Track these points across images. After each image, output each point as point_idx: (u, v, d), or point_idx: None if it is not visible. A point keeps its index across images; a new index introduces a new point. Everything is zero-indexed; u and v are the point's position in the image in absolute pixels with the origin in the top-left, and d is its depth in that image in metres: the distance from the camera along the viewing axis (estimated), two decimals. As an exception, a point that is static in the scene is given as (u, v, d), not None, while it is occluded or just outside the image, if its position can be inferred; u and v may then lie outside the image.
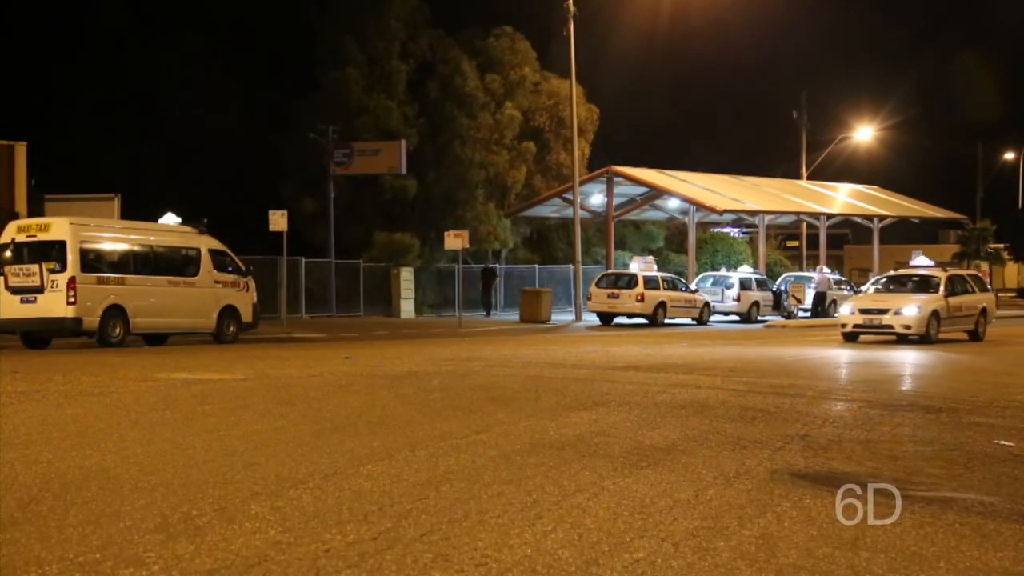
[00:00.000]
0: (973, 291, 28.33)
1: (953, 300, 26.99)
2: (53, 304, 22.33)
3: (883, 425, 10.88)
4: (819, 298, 41.73)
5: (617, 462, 8.42)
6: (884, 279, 29.43)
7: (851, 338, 26.69)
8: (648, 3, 50.56)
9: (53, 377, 14.82)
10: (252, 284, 26.46)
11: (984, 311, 28.47)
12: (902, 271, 30.90)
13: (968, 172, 78.13)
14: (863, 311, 26.63)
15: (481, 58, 51.23)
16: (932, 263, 32.67)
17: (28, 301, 22.48)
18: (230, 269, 25.91)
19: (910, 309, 26.11)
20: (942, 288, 27.01)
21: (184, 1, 59.16)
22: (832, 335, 31.23)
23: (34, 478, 7.52)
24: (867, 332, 26.77)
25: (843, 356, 22.05)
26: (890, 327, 26.09)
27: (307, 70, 50.97)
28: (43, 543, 5.80)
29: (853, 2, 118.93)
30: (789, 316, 40.72)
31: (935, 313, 26.19)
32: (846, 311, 27.25)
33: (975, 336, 28.02)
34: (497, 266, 47.86)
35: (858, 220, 57.29)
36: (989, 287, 31.08)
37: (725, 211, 47.08)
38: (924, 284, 27.55)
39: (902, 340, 26.28)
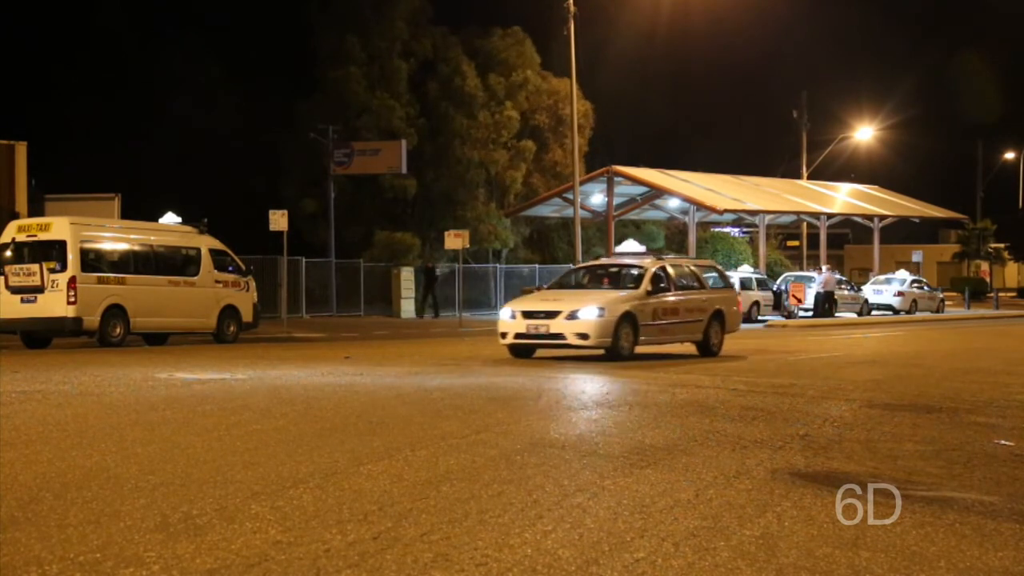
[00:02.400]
0: (702, 287, 21.68)
1: (663, 299, 20.15)
2: (53, 304, 22.33)
3: (883, 425, 10.87)
4: (826, 297, 41.67)
5: (617, 462, 8.42)
6: (582, 271, 22.47)
7: (520, 352, 19.65)
8: (648, 3, 50.62)
9: (53, 377, 14.82)
10: (252, 284, 26.46)
11: (719, 315, 21.39)
12: (603, 260, 23.70)
13: (968, 172, 78.29)
14: (527, 314, 19.35)
15: (483, 57, 51.26)
16: (643, 249, 25.59)
17: (28, 301, 22.49)
18: (230, 269, 25.91)
19: (588, 312, 18.90)
20: (645, 283, 19.98)
21: (184, 1, 59.16)
22: (834, 335, 31.23)
23: (34, 478, 7.52)
24: (534, 343, 19.53)
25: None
26: (560, 336, 18.96)
27: (307, 69, 51.02)
28: (43, 543, 5.80)
29: (853, 2, 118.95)
30: (789, 316, 40.72)
31: (628, 317, 19.15)
32: (506, 315, 19.76)
33: (705, 349, 21.08)
34: (437, 266, 43.50)
35: (858, 220, 57.31)
36: (729, 283, 23.90)
37: (725, 211, 47.10)
38: (623, 278, 20.83)
39: (526, 353, 19.83)
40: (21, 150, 33.79)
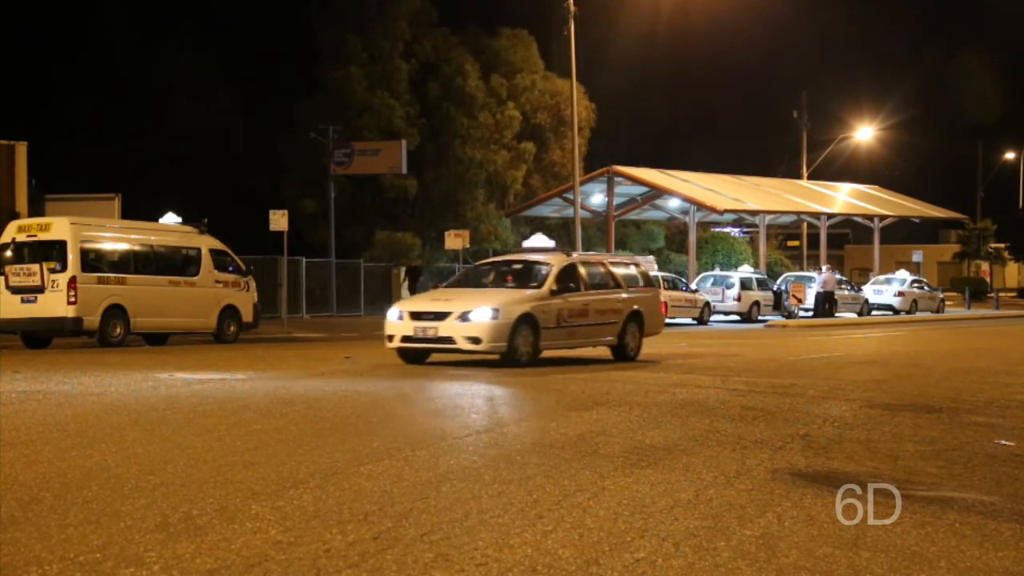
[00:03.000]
0: (618, 286, 19.85)
1: (570, 299, 18.42)
2: (54, 304, 22.32)
3: (884, 425, 10.88)
4: (826, 297, 41.68)
5: (617, 462, 8.42)
6: (485, 268, 20.40)
7: (411, 357, 17.94)
8: (648, 3, 50.65)
9: (53, 377, 14.82)
10: (253, 284, 26.46)
11: (637, 317, 19.70)
12: (510, 256, 22.08)
13: (968, 172, 78.25)
14: (415, 316, 17.67)
15: (485, 58, 51.29)
16: (551, 244, 22.76)
17: (28, 301, 22.48)
18: (231, 269, 25.91)
19: (480, 313, 17.20)
20: (549, 282, 18.26)
21: (184, 1, 59.18)
22: (834, 335, 31.23)
23: (34, 478, 7.52)
24: (423, 347, 17.74)
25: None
26: (449, 340, 17.27)
27: (307, 69, 51.02)
28: (44, 543, 5.80)
29: (853, 2, 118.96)
30: (790, 316, 40.72)
31: (527, 319, 17.45)
32: (393, 316, 18.03)
33: (620, 353, 19.42)
34: (421, 265, 42.41)
35: (859, 220, 57.33)
36: (651, 281, 21.95)
37: (726, 211, 47.12)
38: (527, 276, 18.95)
39: (418, 358, 18.05)
40: (21, 150, 33.79)
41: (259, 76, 52.74)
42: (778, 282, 43.47)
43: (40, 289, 22.45)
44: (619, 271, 20.43)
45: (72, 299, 22.27)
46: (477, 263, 22.09)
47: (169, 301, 24.18)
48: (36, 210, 32.39)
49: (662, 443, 9.39)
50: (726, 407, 12.11)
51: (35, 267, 22.56)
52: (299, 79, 51.28)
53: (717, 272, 44.14)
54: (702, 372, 16.99)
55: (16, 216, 29.73)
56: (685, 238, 52.50)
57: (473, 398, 12.96)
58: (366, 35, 49.12)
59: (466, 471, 7.94)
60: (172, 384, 14.01)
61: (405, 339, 17.63)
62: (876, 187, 62.60)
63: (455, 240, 35.67)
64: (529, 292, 18.18)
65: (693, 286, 40.04)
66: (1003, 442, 9.96)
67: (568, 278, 18.74)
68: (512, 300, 17.79)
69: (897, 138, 70.95)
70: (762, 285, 41.65)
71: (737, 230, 61.70)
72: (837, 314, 43.02)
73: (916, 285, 48.83)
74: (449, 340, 17.30)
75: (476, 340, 17.13)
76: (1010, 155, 78.96)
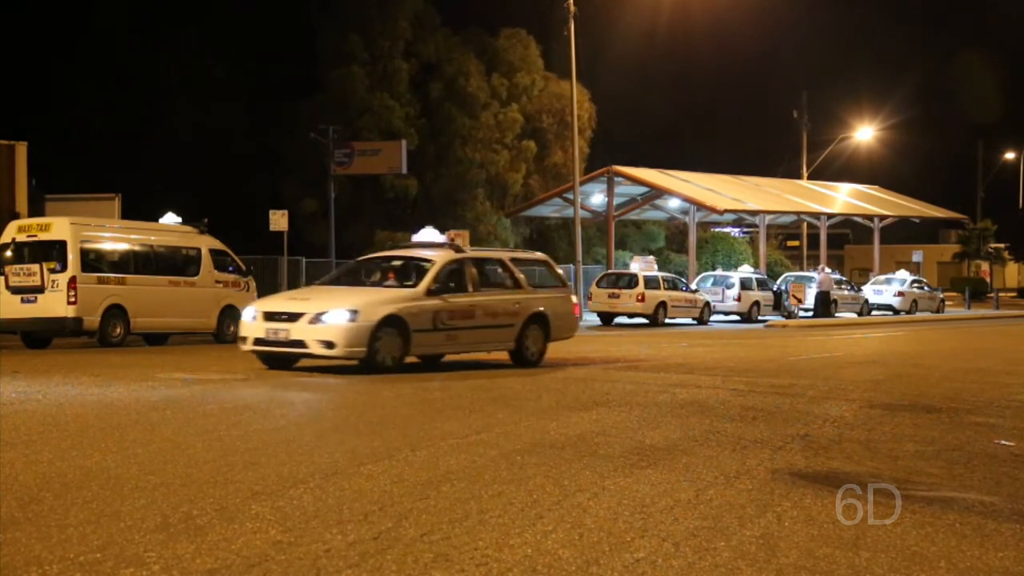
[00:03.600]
0: (518, 286, 18.28)
1: (452, 300, 16.83)
2: (54, 304, 22.31)
3: (884, 425, 10.88)
4: (823, 298, 41.73)
5: (617, 462, 8.42)
6: (365, 264, 19.06)
7: (274, 362, 16.42)
8: (648, 3, 50.64)
9: (53, 377, 14.82)
10: (253, 284, 26.43)
11: (541, 319, 18.18)
12: (393, 251, 20.23)
13: (968, 172, 78.27)
14: (269, 316, 16.21)
15: (487, 58, 51.31)
16: (443, 239, 20.49)
17: (28, 301, 22.46)
18: (231, 269, 25.91)
19: (336, 315, 15.69)
20: (427, 281, 16.70)
21: (184, 1, 59.19)
22: (834, 335, 31.23)
23: (34, 478, 7.52)
24: (274, 350, 16.18)
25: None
26: (300, 344, 15.73)
27: (307, 69, 50.96)
28: (44, 543, 5.80)
29: (853, 2, 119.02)
30: (790, 316, 40.72)
31: (393, 322, 15.87)
32: (248, 316, 16.60)
33: (520, 358, 17.95)
34: None
35: (859, 220, 57.32)
36: (563, 281, 20.16)
37: (726, 211, 47.09)
38: (407, 273, 17.63)
39: (283, 363, 16.47)
40: (21, 150, 33.77)
41: (259, 76, 52.65)
42: (778, 282, 43.47)
43: (40, 289, 22.44)
44: (523, 270, 18.87)
45: (72, 299, 22.26)
46: (360, 258, 20.08)
47: (169, 301, 24.17)
48: (36, 210, 32.36)
49: (662, 443, 9.39)
50: (726, 407, 12.11)
51: (35, 267, 22.55)
52: (299, 79, 51.24)
53: (717, 272, 44.14)
54: (702, 372, 16.99)
55: (16, 216, 29.72)
56: (685, 238, 52.48)
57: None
58: (367, 35, 49.13)
59: (466, 471, 7.94)
60: (172, 384, 14.01)
61: (257, 341, 16.14)
62: (876, 187, 62.59)
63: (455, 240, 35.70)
64: (401, 292, 16.73)
65: (693, 286, 40.04)
66: (1003, 442, 9.97)
67: (452, 277, 17.30)
68: (376, 301, 16.24)
69: (897, 138, 71.03)
70: (762, 285, 41.65)
71: (737, 230, 61.69)
72: (837, 314, 43.03)
73: (916, 285, 48.83)
74: (300, 344, 15.73)
75: (330, 344, 15.56)
76: (1010, 155, 78.99)
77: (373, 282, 17.73)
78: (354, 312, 15.70)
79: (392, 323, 15.93)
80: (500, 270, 18.62)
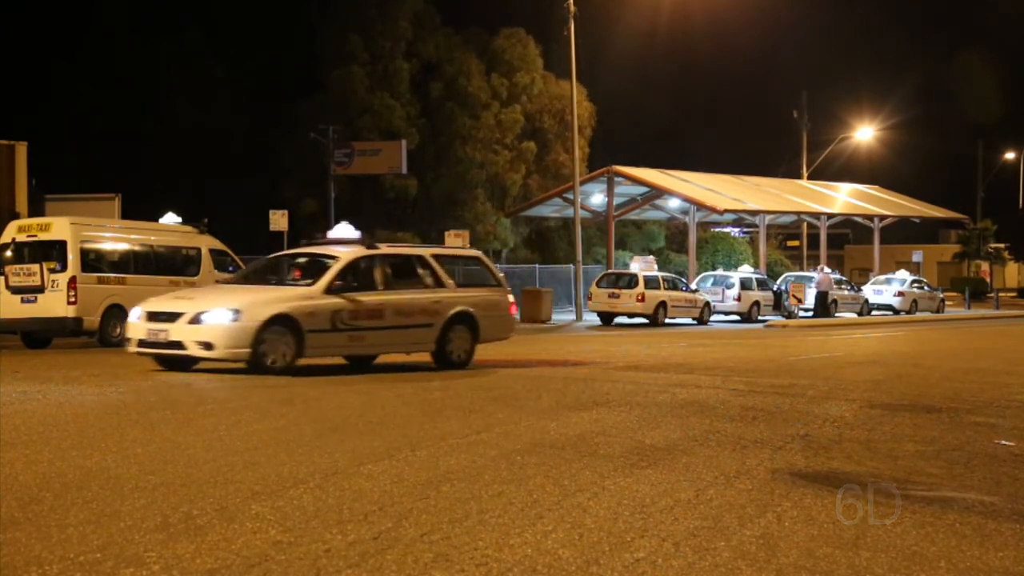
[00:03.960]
0: (440, 285, 17.45)
1: (357, 298, 16.11)
2: (54, 304, 22.31)
3: (884, 425, 10.88)
4: (822, 298, 41.75)
5: (618, 462, 8.42)
6: (274, 261, 18.29)
7: (173, 364, 15.70)
8: (648, 3, 50.64)
9: (53, 377, 14.82)
10: (252, 284, 26.41)
11: (467, 319, 17.44)
12: (305, 248, 19.39)
13: (968, 172, 78.30)
14: (152, 316, 15.64)
15: (487, 58, 51.32)
16: (357, 234, 18.37)
17: (28, 301, 22.47)
18: (231, 269, 25.88)
19: (216, 315, 15.12)
20: (327, 278, 16.03)
21: (184, 1, 59.20)
22: (834, 335, 31.23)
23: (34, 478, 7.52)
24: (155, 351, 15.64)
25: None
26: (179, 345, 15.16)
27: (308, 69, 51.01)
28: (44, 543, 5.80)
29: (853, 2, 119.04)
30: (790, 316, 40.72)
31: (283, 321, 15.25)
32: (134, 316, 16.07)
33: (443, 360, 17.18)
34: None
35: (859, 220, 57.32)
36: (499, 279, 19.02)
37: (726, 211, 47.09)
38: (311, 270, 16.87)
39: (182, 365, 15.65)
40: (21, 150, 33.80)
41: (259, 76, 52.68)
42: (778, 282, 43.49)
43: (40, 289, 22.45)
44: (448, 267, 18.03)
45: (72, 299, 22.27)
46: (271, 255, 19.29)
47: (169, 301, 24.16)
48: (36, 210, 32.38)
49: (662, 443, 9.39)
50: (726, 407, 12.11)
51: (35, 267, 22.56)
52: (299, 79, 51.29)
53: (717, 272, 44.15)
54: (702, 372, 16.99)
55: (16, 216, 29.73)
56: (685, 238, 52.49)
57: None
58: (367, 35, 49.15)
59: (466, 471, 7.94)
60: (172, 384, 14.00)
61: (141, 343, 15.63)
62: (876, 187, 62.60)
63: (455, 240, 35.76)
64: (297, 290, 16.09)
65: (693, 286, 40.06)
66: (1003, 442, 9.97)
67: (359, 274, 16.56)
68: (264, 300, 15.58)
69: (897, 138, 71.05)
70: (762, 285, 41.66)
71: (737, 230, 61.71)
72: (837, 314, 43.04)
73: (916, 285, 48.84)
74: (179, 345, 15.14)
75: (208, 345, 14.98)
76: (1010, 155, 79.01)
77: (278, 280, 17.09)
78: (236, 312, 15.10)
79: (281, 323, 15.25)
80: (420, 268, 17.61)
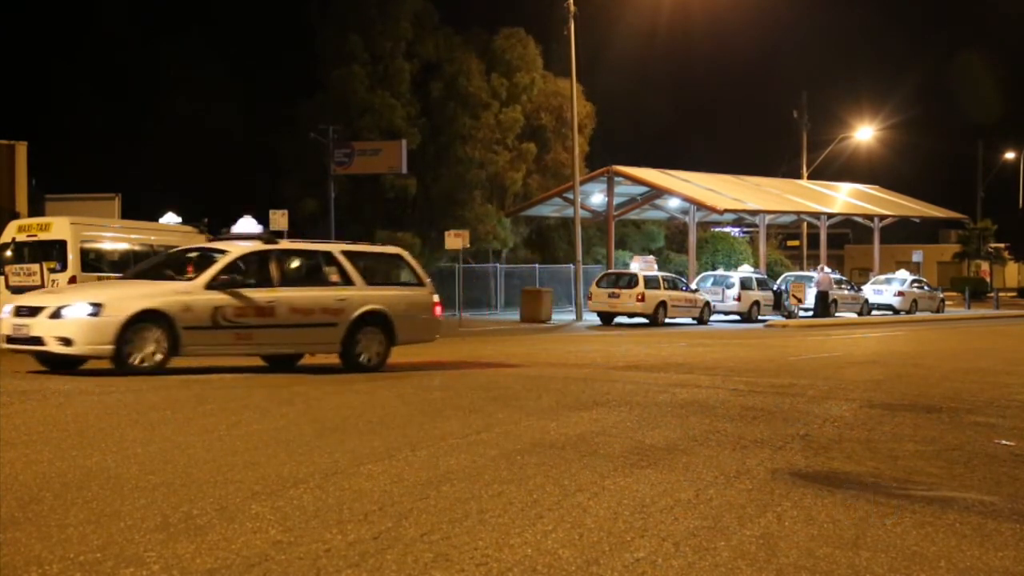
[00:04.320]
0: (348, 282, 16.70)
1: (247, 295, 15.46)
2: (53, 304, 22.30)
3: (884, 425, 10.88)
4: (821, 298, 41.77)
5: (617, 462, 8.42)
6: (173, 256, 17.54)
7: (54, 363, 15.19)
8: (648, 3, 50.65)
9: (53, 377, 14.81)
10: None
11: (378, 319, 16.66)
12: (206, 244, 18.50)
13: (968, 172, 78.37)
14: (19, 310, 15.22)
15: (487, 58, 51.33)
16: (260, 229, 17.27)
17: (28, 301, 22.46)
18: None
19: (76, 308, 14.60)
20: (210, 273, 15.43)
21: (185, 1, 59.19)
22: (834, 335, 31.24)
23: (34, 477, 7.52)
24: (20, 348, 15.17)
25: None
26: (39, 340, 14.72)
27: (307, 69, 51.08)
28: (44, 543, 5.80)
29: (853, 2, 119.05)
30: (790, 316, 40.73)
31: (152, 318, 14.64)
32: (5, 312, 15.58)
33: (351, 362, 16.45)
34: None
35: (859, 220, 57.32)
36: (423, 279, 18.13)
37: (726, 211, 47.10)
38: (202, 265, 15.97)
39: (67, 364, 15.09)
40: (21, 150, 33.82)
41: (259, 76, 52.82)
42: (778, 282, 43.50)
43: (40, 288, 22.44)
44: (359, 264, 17.05)
45: (72, 299, 22.26)
46: (170, 251, 18.45)
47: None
48: (36, 210, 32.41)
49: (662, 443, 9.39)
50: (726, 407, 12.11)
51: (35, 267, 22.55)
52: (299, 79, 51.43)
53: (717, 272, 44.15)
54: (702, 372, 16.99)
55: (16, 216, 29.75)
56: (685, 238, 52.50)
57: None
58: (367, 35, 49.15)
59: (466, 471, 7.94)
60: (172, 384, 14.00)
61: (8, 339, 15.14)
62: (876, 187, 62.61)
63: (455, 240, 35.73)
64: (174, 285, 15.36)
65: (693, 286, 40.07)
66: (1003, 442, 9.97)
67: (250, 270, 15.90)
68: (133, 294, 14.90)
69: (897, 138, 71.12)
70: (762, 285, 41.67)
71: (737, 230, 61.72)
72: (837, 314, 43.04)
73: (916, 285, 48.85)
74: (39, 341, 14.66)
75: (67, 341, 14.42)
76: (1010, 155, 79.06)
77: (174, 276, 16.15)
78: (96, 306, 14.49)
79: (151, 319, 14.64)
80: (326, 265, 16.79)
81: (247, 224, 18.02)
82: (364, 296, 16.67)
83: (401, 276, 18.22)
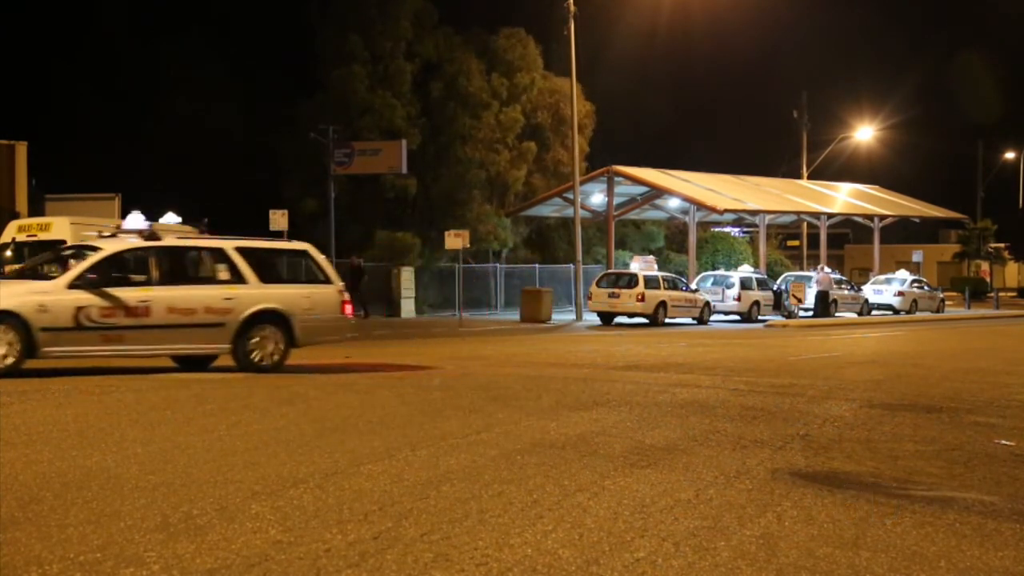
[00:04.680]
0: (241, 280, 15.82)
1: (115, 293, 14.78)
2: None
3: (884, 425, 10.88)
4: (821, 298, 41.79)
5: (617, 462, 8.42)
6: (57, 256, 16.80)
7: None
8: (648, 3, 50.65)
9: (53, 377, 14.80)
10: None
11: (274, 318, 15.90)
12: (90, 242, 16.46)
13: (968, 172, 78.37)
14: None
15: (487, 58, 51.33)
16: (146, 225, 16.54)
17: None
18: (230, 269, 25.88)
19: None
20: (75, 271, 14.88)
21: (184, 1, 59.23)
22: (834, 335, 31.23)
23: (35, 477, 7.52)
24: None
25: None
26: None
27: (308, 69, 51.02)
28: (44, 542, 5.80)
29: (853, 2, 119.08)
30: (790, 316, 40.73)
31: (2, 318, 14.15)
32: None
33: (244, 361, 15.70)
34: (363, 263, 40.67)
35: (859, 220, 57.31)
36: (330, 276, 17.00)
37: (726, 211, 47.09)
38: (70, 264, 15.45)
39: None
40: (21, 150, 33.82)
41: (259, 76, 52.74)
42: (778, 282, 43.50)
43: (40, 289, 22.43)
44: (255, 261, 16.15)
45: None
46: (61, 248, 17.85)
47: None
48: (36, 210, 32.41)
49: (662, 443, 9.39)
50: (726, 407, 12.11)
51: (35, 267, 22.54)
52: (299, 79, 51.30)
53: (717, 272, 44.15)
54: (702, 372, 16.99)
55: (16, 216, 29.75)
56: (685, 238, 52.49)
57: None
58: (367, 35, 49.13)
59: (466, 471, 7.94)
60: (172, 384, 14.00)
61: None
62: (876, 187, 62.60)
63: (455, 240, 35.72)
64: (32, 284, 14.80)
65: (693, 286, 40.07)
66: (1003, 442, 9.97)
67: (125, 268, 15.30)
68: None
69: (897, 138, 71.11)
70: (762, 285, 41.67)
71: (737, 230, 61.70)
72: (837, 314, 43.03)
73: (916, 285, 48.84)
74: None
75: None
76: (1010, 155, 79.06)
77: (45, 274, 15.67)
78: None
79: (1, 319, 14.06)
80: (215, 262, 16.01)
81: (133, 220, 17.20)
82: (257, 295, 15.86)
83: (308, 274, 17.48)
